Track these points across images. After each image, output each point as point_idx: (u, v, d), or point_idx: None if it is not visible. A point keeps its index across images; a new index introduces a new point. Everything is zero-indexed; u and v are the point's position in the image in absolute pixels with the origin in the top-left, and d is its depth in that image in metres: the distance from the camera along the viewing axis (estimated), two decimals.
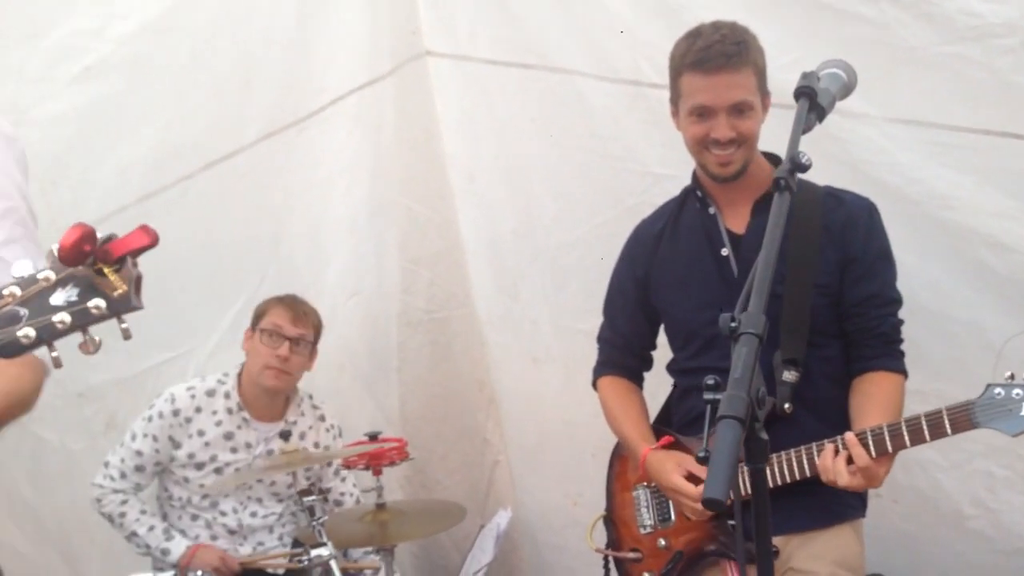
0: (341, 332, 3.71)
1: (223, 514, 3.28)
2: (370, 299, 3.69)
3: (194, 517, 3.28)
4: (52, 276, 1.26)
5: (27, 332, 1.26)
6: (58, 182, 3.46)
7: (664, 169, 2.95)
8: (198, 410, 3.24)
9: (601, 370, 2.69)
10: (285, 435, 2.94)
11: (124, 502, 3.25)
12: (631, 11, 2.98)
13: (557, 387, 3.48)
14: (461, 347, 3.72)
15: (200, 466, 3.24)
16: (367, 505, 3.12)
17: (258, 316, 3.26)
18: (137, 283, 1.29)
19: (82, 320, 1.27)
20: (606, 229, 3.07)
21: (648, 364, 2.70)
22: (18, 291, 1.27)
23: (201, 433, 3.23)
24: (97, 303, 1.26)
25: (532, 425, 3.64)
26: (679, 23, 2.44)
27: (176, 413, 3.22)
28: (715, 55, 2.21)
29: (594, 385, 2.69)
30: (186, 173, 3.44)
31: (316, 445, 3.36)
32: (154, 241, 1.28)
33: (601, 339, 2.72)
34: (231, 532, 3.28)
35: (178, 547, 3.19)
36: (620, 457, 2.67)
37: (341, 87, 3.43)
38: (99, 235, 1.26)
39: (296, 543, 3.30)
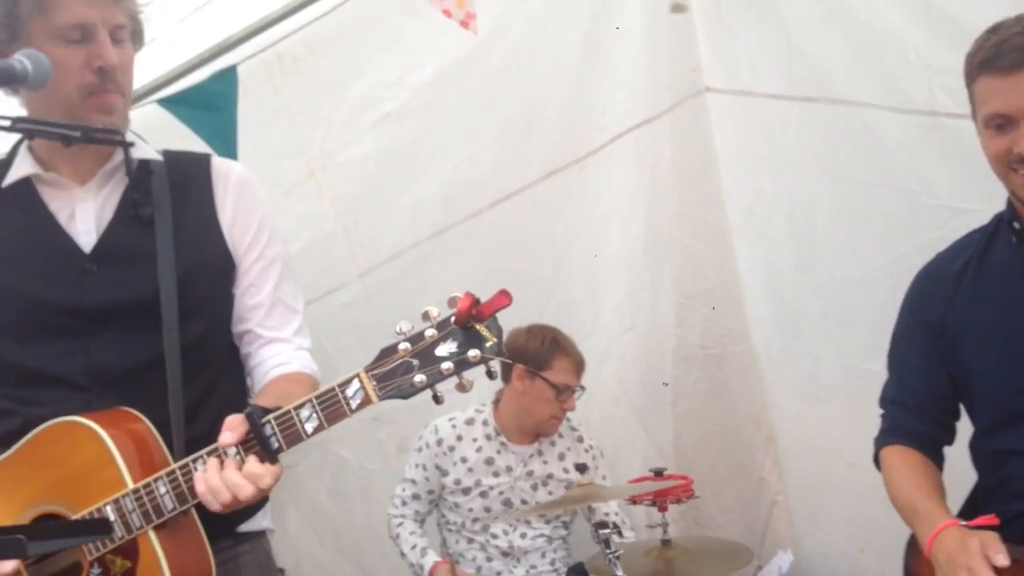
0: (616, 366, 3.77)
1: (494, 536, 3.41)
2: (645, 333, 3.72)
3: (470, 540, 3.43)
4: (435, 333, 1.58)
5: (421, 378, 1.58)
6: (359, 220, 3.77)
7: (964, 203, 2.75)
8: (459, 438, 3.42)
9: (886, 439, 2.24)
10: (581, 468, 3.02)
11: (400, 524, 3.47)
12: (925, 39, 2.83)
13: (841, 428, 3.34)
14: (737, 383, 3.66)
15: (466, 491, 3.39)
16: (652, 540, 3.15)
17: (541, 364, 3.30)
18: (500, 335, 1.58)
19: (461, 367, 1.58)
20: (898, 266, 2.91)
21: (949, 435, 2.22)
22: (409, 346, 1.59)
23: (464, 460, 3.40)
24: (474, 352, 1.57)
25: (813, 466, 3.51)
26: None
27: (440, 443, 3.42)
28: (1011, 49, 1.85)
29: (876, 460, 2.27)
30: (474, 210, 3.64)
31: (576, 466, 3.41)
32: (511, 302, 1.58)
33: (886, 400, 2.30)
34: (504, 554, 3.40)
35: (429, 561, 3.34)
36: (917, 553, 2.09)
37: (620, 125, 3.50)
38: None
39: (574, 571, 3.36)
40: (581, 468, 3.03)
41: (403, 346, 1.58)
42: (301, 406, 1.62)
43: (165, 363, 1.84)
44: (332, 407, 1.61)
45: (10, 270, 1.86)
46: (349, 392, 1.60)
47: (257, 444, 1.64)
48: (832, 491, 3.47)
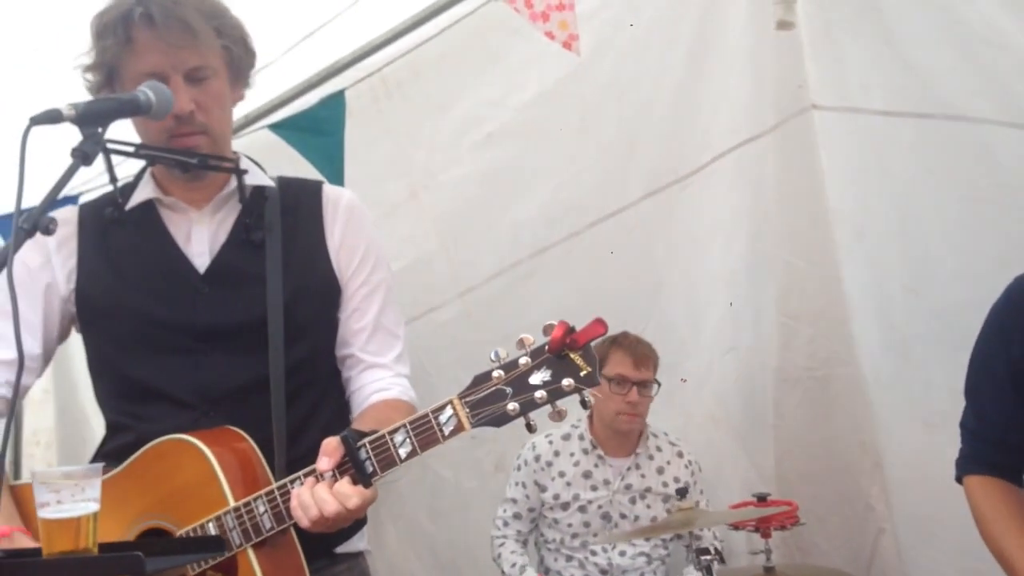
0: (716, 387, 3.71)
1: (593, 554, 3.38)
2: (747, 354, 3.65)
3: (568, 558, 3.41)
4: (529, 361, 1.57)
5: (514, 406, 1.57)
6: (459, 239, 3.81)
7: None
8: (556, 454, 3.43)
9: (968, 466, 2.23)
10: (681, 492, 2.99)
11: (502, 544, 3.49)
12: None
13: (952, 454, 3.18)
14: (843, 407, 3.56)
15: (565, 506, 3.39)
16: (754, 567, 3.08)
17: (600, 361, 3.31)
18: (595, 364, 1.56)
19: (555, 396, 1.56)
20: None
21: None
22: (503, 374, 1.58)
23: (562, 475, 3.40)
24: (568, 381, 1.54)
25: (923, 494, 3.38)
26: None
27: (538, 459, 3.43)
28: None
29: (958, 480, 2.25)
30: (574, 230, 3.65)
31: (676, 480, 3.42)
32: (607, 330, 1.54)
33: (965, 428, 2.26)
34: (603, 572, 3.37)
35: None
36: None
37: (723, 144, 3.46)
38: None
39: None
40: (681, 492, 3.00)
41: (497, 373, 1.58)
42: (395, 431, 1.63)
43: (270, 384, 1.88)
44: (425, 433, 1.61)
45: (129, 287, 1.93)
46: (442, 418, 1.60)
47: (352, 467, 1.65)
48: (942, 519, 3.33)
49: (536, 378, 1.56)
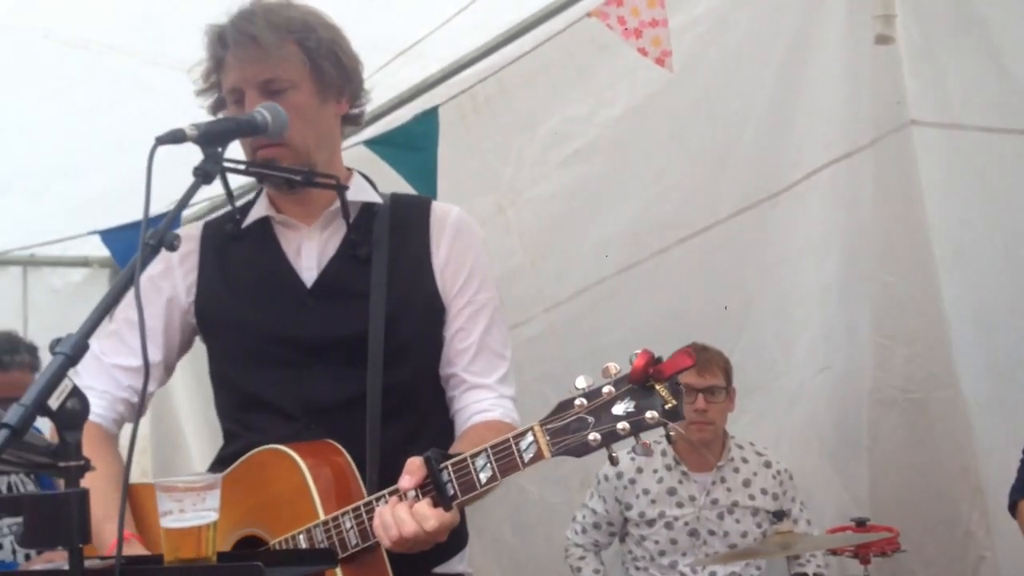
0: (808, 407, 3.64)
1: (682, 575, 3.33)
2: (840, 375, 3.57)
3: None
4: (613, 391, 1.52)
5: (595, 436, 1.52)
6: (546, 255, 3.82)
7: None
8: (639, 471, 3.37)
9: (1015, 494, 2.28)
10: (779, 515, 2.93)
11: (582, 558, 3.46)
12: None
13: None
14: (942, 430, 3.45)
15: (651, 523, 3.34)
16: None
17: None
18: (680, 397, 1.50)
19: (638, 428, 1.51)
20: None
21: None
22: (585, 402, 1.54)
23: (646, 492, 3.35)
24: (652, 414, 1.49)
25: None
26: None
27: (619, 476, 3.39)
28: None
29: (1011, 509, 2.30)
30: (662, 247, 3.62)
31: (764, 492, 3.34)
32: (694, 363, 1.49)
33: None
34: None
35: None
36: None
37: (817, 160, 3.40)
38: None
39: None
40: (779, 515, 2.93)
41: (579, 402, 1.54)
42: (477, 455, 1.60)
43: (366, 401, 1.88)
44: (506, 459, 1.58)
45: (242, 302, 1.96)
46: (523, 444, 1.56)
47: (433, 489, 1.62)
48: None
49: (619, 408, 1.52)
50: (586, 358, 3.85)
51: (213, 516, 1.45)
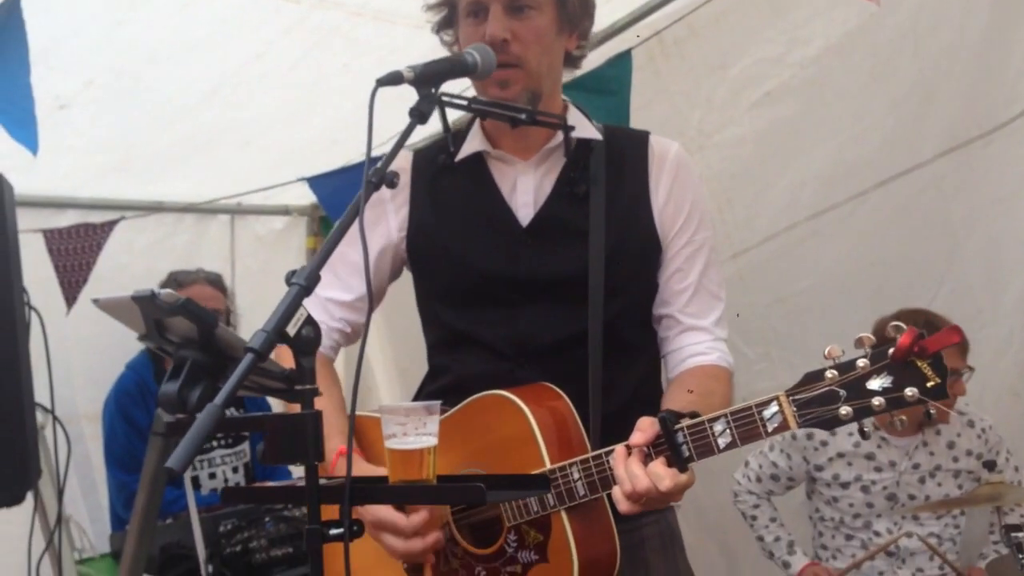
0: (1017, 358, 3.42)
1: (877, 535, 3.24)
2: None
3: (848, 537, 3.29)
4: (868, 364, 1.49)
5: (847, 410, 1.50)
6: (734, 201, 3.74)
7: None
8: (833, 433, 3.23)
9: None
10: (989, 465, 2.80)
11: (756, 506, 3.42)
12: None
13: None
14: None
15: (845, 485, 3.25)
16: None
17: None
18: (944, 375, 1.46)
19: (895, 404, 1.48)
20: None
21: None
22: (836, 374, 1.51)
23: (841, 455, 3.25)
24: (912, 391, 1.46)
25: None
26: None
27: (810, 436, 3.29)
28: None
29: None
30: (858, 191, 3.48)
31: (968, 453, 3.20)
32: (962, 339, 1.42)
33: None
34: (889, 554, 3.22)
35: (798, 562, 3.27)
36: None
37: None
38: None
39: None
40: (989, 465, 2.80)
41: (830, 374, 1.51)
42: (715, 419, 1.58)
43: (587, 339, 1.87)
44: (748, 426, 1.56)
45: (455, 238, 1.98)
46: (767, 414, 1.54)
47: (668, 449, 1.61)
48: None
49: (875, 383, 1.48)
50: (774, 305, 3.77)
51: (433, 440, 1.53)
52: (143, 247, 4.50)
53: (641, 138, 2.03)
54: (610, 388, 1.89)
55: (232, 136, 3.89)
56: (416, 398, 2.06)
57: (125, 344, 3.93)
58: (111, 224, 4.18)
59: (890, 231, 3.47)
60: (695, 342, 1.95)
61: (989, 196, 3.30)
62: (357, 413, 1.98)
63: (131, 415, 3.88)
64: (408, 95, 1.64)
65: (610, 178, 1.94)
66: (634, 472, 1.60)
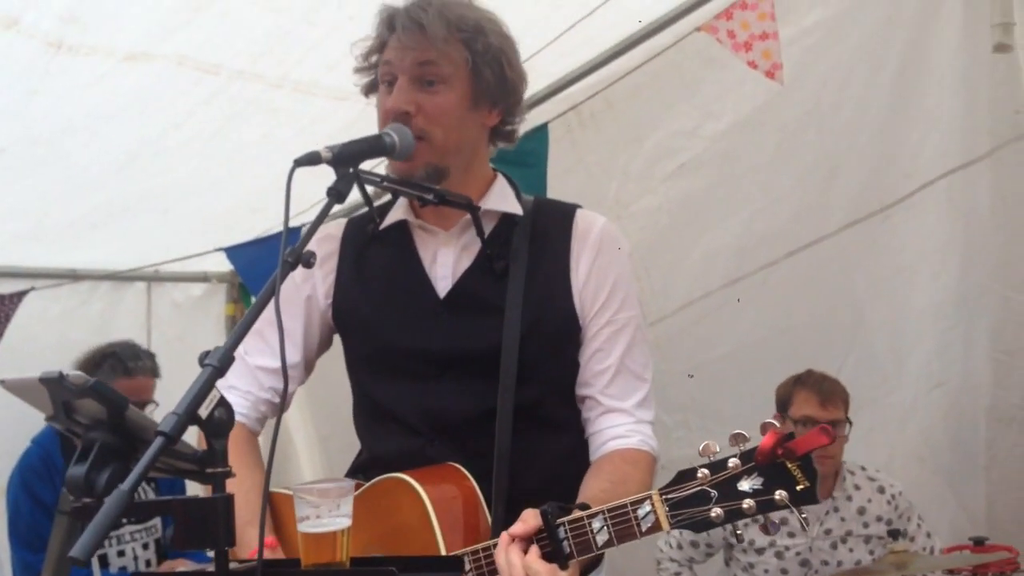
0: (922, 424, 3.56)
1: None
2: (956, 391, 3.48)
3: None
4: (739, 464, 1.47)
5: (718, 512, 1.48)
6: (651, 269, 3.81)
7: None
8: None
9: None
10: (894, 534, 2.87)
11: (678, 574, 3.43)
12: None
13: None
14: None
15: (760, 551, 3.28)
16: None
17: (785, 405, 3.20)
18: (815, 479, 1.44)
19: (765, 508, 1.47)
20: None
21: None
22: (708, 473, 1.49)
23: (756, 520, 3.27)
24: (781, 494, 1.45)
25: None
26: None
27: None
28: None
29: None
30: (769, 260, 3.59)
31: (879, 519, 3.25)
32: (832, 440, 1.42)
33: None
34: None
35: None
36: None
37: (931, 171, 3.33)
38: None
39: None
40: (894, 534, 2.87)
41: (702, 473, 1.48)
42: (594, 516, 1.56)
43: (496, 418, 1.83)
44: (623, 525, 1.53)
45: (375, 308, 1.94)
46: (640, 513, 1.52)
47: (548, 543, 1.58)
48: None
49: (745, 484, 1.46)
50: (690, 371, 3.84)
51: (347, 522, 1.51)
52: (55, 316, 4.38)
53: (567, 212, 1.97)
54: (525, 465, 1.84)
55: (149, 204, 3.84)
56: (348, 473, 2.02)
57: (31, 418, 3.79)
58: (20, 294, 4.07)
59: (801, 300, 3.58)
60: (615, 424, 1.88)
61: (891, 267, 3.45)
62: (273, 490, 1.92)
63: (36, 492, 3.72)
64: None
65: (532, 254, 1.89)
66: (512, 562, 1.57)
